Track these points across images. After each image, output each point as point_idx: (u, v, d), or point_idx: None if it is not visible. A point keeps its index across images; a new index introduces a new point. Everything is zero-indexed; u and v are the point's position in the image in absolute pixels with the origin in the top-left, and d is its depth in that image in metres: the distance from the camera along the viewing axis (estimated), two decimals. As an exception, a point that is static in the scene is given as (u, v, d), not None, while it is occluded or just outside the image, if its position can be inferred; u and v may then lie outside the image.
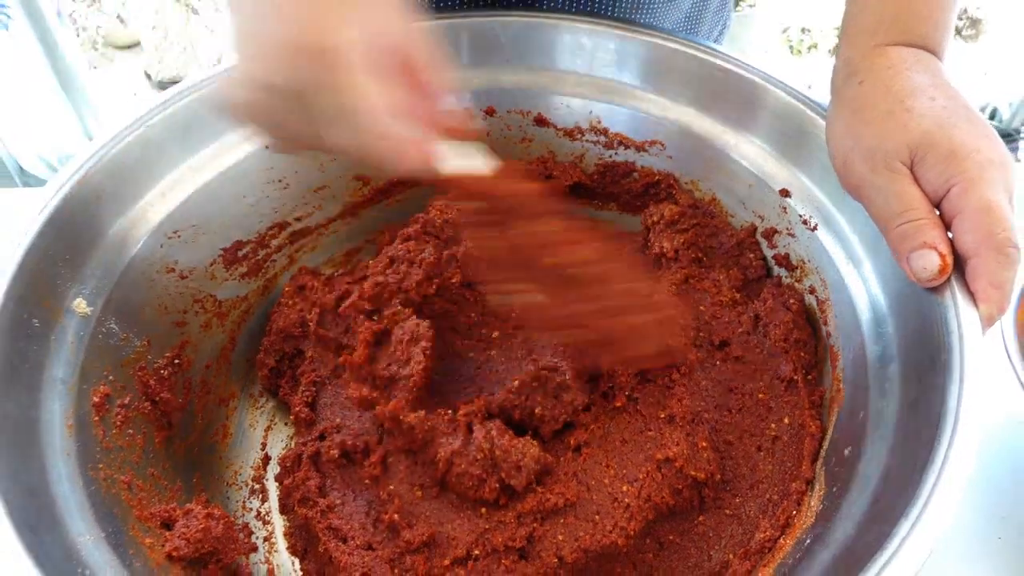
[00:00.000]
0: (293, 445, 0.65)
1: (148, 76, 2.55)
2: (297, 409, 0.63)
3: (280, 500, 0.63)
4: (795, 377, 0.60)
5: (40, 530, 0.42)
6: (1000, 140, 0.48)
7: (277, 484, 0.63)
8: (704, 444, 0.57)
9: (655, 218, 0.69)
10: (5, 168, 2.12)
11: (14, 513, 0.41)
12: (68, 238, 0.55)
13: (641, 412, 0.59)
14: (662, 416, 0.58)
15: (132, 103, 2.52)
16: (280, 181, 0.68)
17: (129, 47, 2.67)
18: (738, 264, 0.67)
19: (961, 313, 0.46)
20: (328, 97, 0.39)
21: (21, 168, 2.13)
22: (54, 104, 2.24)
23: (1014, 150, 2.30)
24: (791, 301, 0.63)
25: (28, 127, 2.20)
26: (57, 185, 0.55)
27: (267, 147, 0.47)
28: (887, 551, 0.39)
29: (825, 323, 0.60)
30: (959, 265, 0.46)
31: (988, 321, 0.46)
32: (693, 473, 0.55)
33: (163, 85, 2.51)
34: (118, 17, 2.51)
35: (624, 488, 0.55)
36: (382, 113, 0.40)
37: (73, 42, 2.11)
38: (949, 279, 0.47)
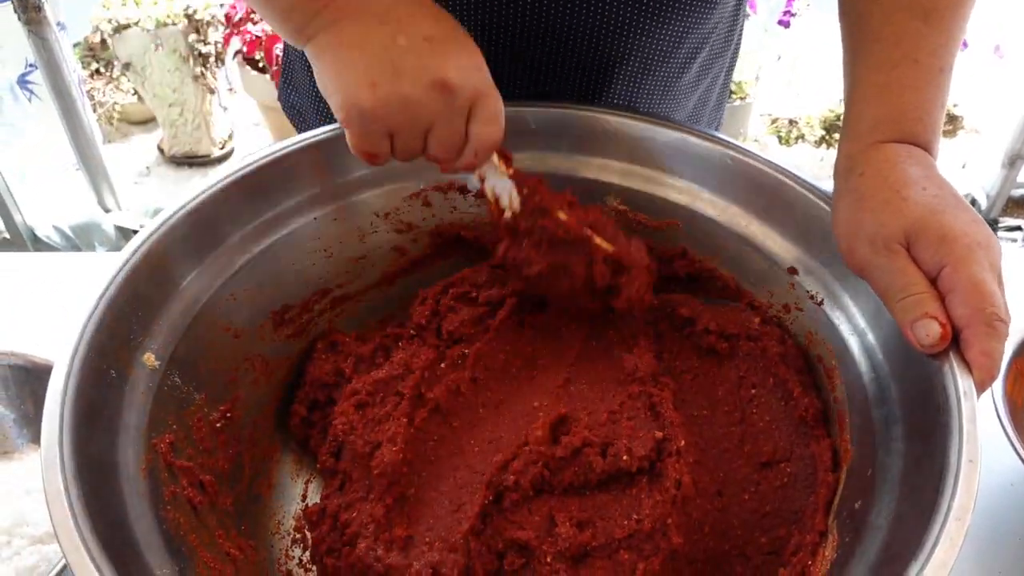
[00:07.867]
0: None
1: (161, 151, 2.64)
2: (323, 459, 0.67)
3: (311, 551, 0.66)
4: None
5: (127, 560, 0.46)
6: (985, 224, 0.54)
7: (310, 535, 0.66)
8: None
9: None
10: (20, 236, 2.17)
11: (104, 544, 0.45)
12: (142, 295, 0.60)
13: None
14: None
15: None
16: (325, 251, 0.73)
17: (144, 123, 2.76)
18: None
19: (958, 379, 0.51)
20: (488, 102, 0.58)
21: (35, 236, 2.18)
22: (71, 177, 2.31)
23: (994, 239, 2.41)
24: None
25: (45, 198, 2.26)
26: (135, 246, 0.60)
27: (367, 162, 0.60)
28: (901, 588, 0.43)
29: (832, 389, 0.65)
30: (954, 336, 0.52)
31: (981, 387, 0.51)
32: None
33: (176, 160, 2.59)
34: (135, 94, 2.61)
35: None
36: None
37: (91, 117, 2.19)
38: (948, 348, 0.52)
